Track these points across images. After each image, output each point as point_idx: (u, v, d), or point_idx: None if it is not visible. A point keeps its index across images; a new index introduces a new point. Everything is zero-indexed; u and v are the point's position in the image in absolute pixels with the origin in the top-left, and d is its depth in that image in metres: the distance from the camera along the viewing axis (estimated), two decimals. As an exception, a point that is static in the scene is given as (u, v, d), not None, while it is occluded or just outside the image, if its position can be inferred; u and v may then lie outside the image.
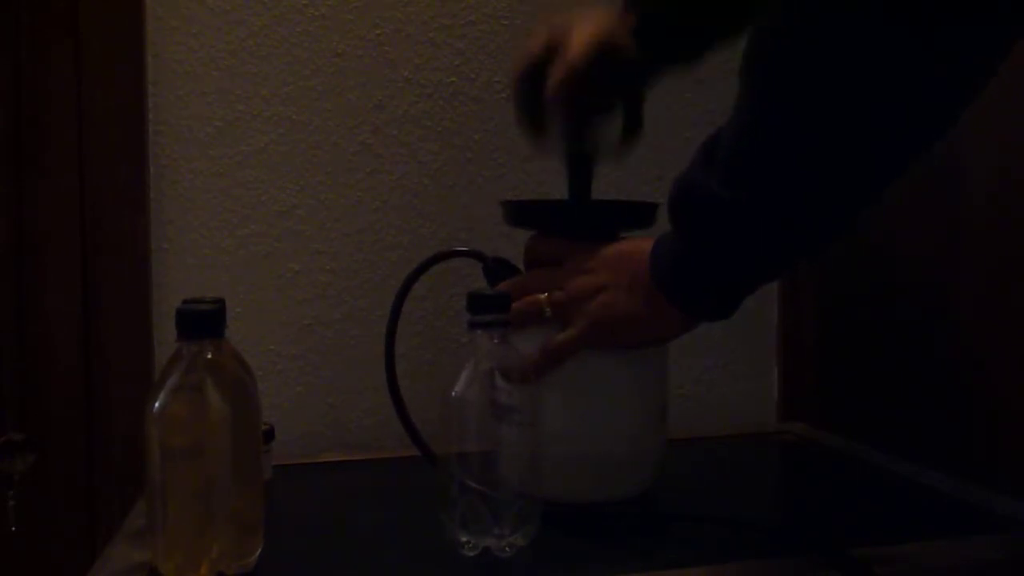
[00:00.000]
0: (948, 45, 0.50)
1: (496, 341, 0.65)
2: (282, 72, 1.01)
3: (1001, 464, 0.83)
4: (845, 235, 0.62)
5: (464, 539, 0.63)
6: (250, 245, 1.00)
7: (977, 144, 0.86)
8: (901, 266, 0.99)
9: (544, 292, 0.73)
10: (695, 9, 0.75)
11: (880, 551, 0.65)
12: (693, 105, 1.11)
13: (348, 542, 0.71)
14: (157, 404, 0.58)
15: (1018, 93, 0.79)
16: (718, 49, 0.75)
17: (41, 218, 0.95)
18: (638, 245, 0.70)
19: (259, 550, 0.62)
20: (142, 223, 0.97)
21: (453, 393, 0.64)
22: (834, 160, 0.57)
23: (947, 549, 0.67)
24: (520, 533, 0.63)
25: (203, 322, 0.60)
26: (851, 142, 0.55)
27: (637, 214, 0.78)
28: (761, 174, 0.59)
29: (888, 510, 0.78)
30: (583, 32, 0.72)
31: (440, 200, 1.05)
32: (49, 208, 0.95)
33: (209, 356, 0.59)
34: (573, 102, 0.73)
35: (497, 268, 0.79)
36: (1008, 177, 0.84)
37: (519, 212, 0.80)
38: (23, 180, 0.94)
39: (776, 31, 0.54)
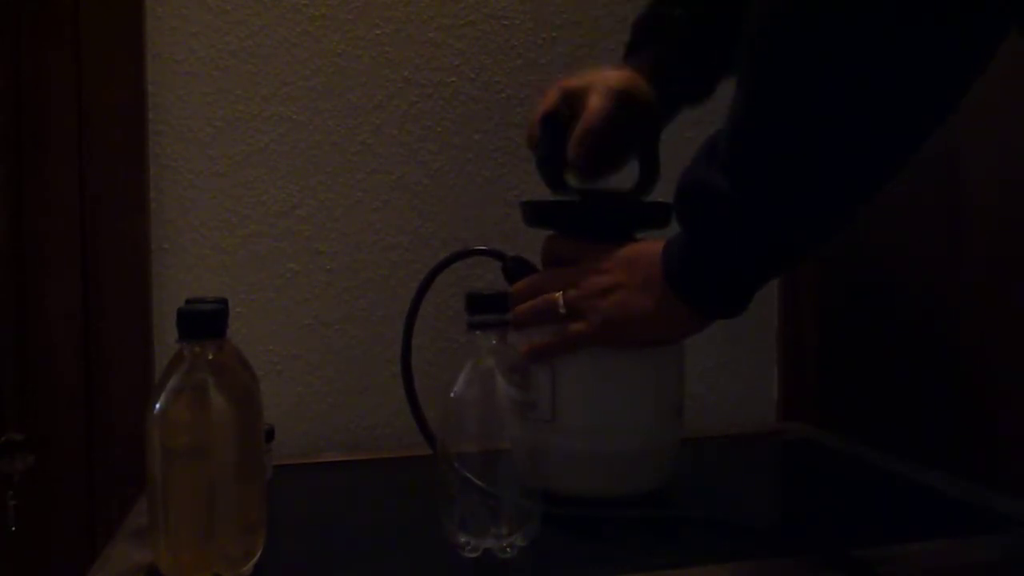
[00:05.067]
0: (944, 34, 0.50)
1: (495, 341, 0.65)
2: (282, 72, 1.01)
3: (1001, 464, 0.83)
4: (847, 227, 0.62)
5: (463, 540, 0.63)
6: (250, 245, 1.00)
7: (977, 144, 0.86)
8: (901, 266, 0.99)
9: (559, 291, 0.73)
10: (705, 43, 0.76)
11: (880, 551, 0.65)
12: (693, 105, 1.11)
13: (348, 542, 0.71)
14: (159, 405, 0.58)
15: (1018, 93, 0.79)
16: (728, 78, 0.76)
17: (41, 218, 0.95)
18: (652, 245, 0.71)
19: (260, 550, 0.62)
20: (142, 223, 0.96)
21: (452, 394, 0.64)
22: (830, 150, 0.57)
23: (947, 549, 0.67)
24: (520, 534, 0.63)
25: (205, 322, 0.60)
26: (846, 132, 0.55)
27: (652, 214, 0.78)
28: (760, 166, 0.59)
29: (888, 510, 0.78)
30: (601, 84, 0.74)
31: (440, 200, 1.05)
32: (49, 208, 0.95)
33: (211, 357, 0.59)
34: (594, 156, 0.74)
35: (516, 267, 0.79)
36: (1008, 177, 0.84)
37: (537, 212, 0.81)
38: (23, 180, 0.94)
39: (771, 23, 0.54)
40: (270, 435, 0.83)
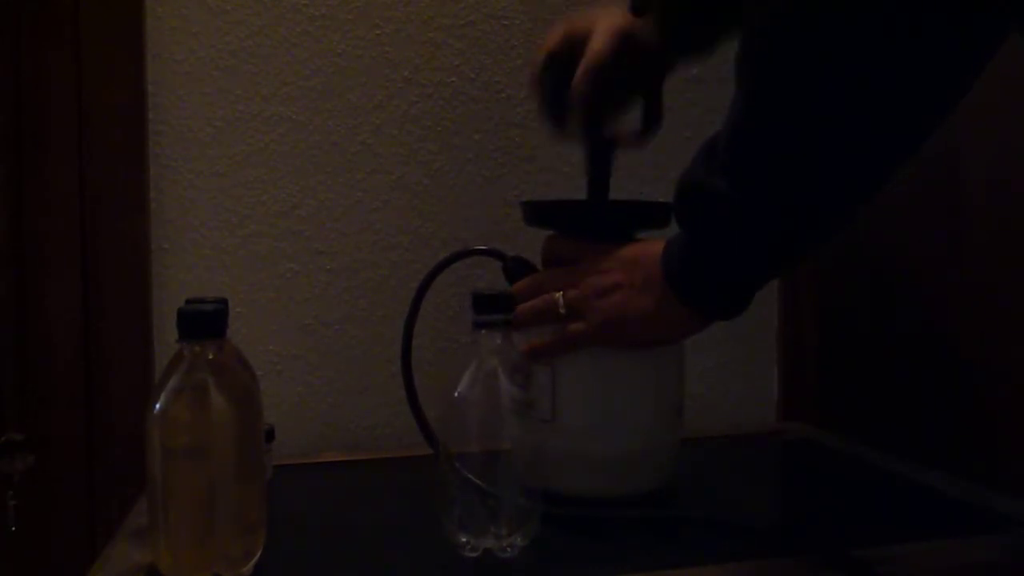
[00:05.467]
0: (944, 34, 0.50)
1: (499, 341, 0.65)
2: (282, 72, 1.01)
3: (1001, 464, 0.83)
4: (847, 227, 0.62)
5: (463, 540, 0.63)
6: (250, 245, 1.00)
7: (977, 144, 0.86)
8: (901, 266, 0.99)
9: (559, 291, 0.73)
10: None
11: (880, 551, 0.65)
12: (693, 105, 1.11)
13: (348, 542, 0.71)
14: (159, 405, 0.58)
15: (1018, 93, 0.79)
16: (733, 35, 0.76)
17: (41, 218, 0.95)
18: (652, 246, 0.71)
19: (260, 550, 0.62)
20: (142, 223, 0.96)
21: (456, 393, 0.64)
22: (830, 150, 0.57)
23: (947, 549, 0.67)
24: (520, 533, 0.63)
25: (205, 322, 0.60)
26: (846, 132, 0.55)
27: (653, 214, 0.78)
28: (760, 166, 0.59)
29: (888, 510, 0.78)
30: (605, 26, 0.74)
31: (440, 200, 1.05)
32: (49, 208, 0.95)
33: (211, 356, 0.59)
34: (596, 94, 0.74)
35: (516, 267, 0.79)
36: (1008, 177, 0.84)
37: (537, 212, 0.81)
38: (23, 180, 0.94)
39: (770, 23, 0.54)
40: (270, 435, 0.83)
